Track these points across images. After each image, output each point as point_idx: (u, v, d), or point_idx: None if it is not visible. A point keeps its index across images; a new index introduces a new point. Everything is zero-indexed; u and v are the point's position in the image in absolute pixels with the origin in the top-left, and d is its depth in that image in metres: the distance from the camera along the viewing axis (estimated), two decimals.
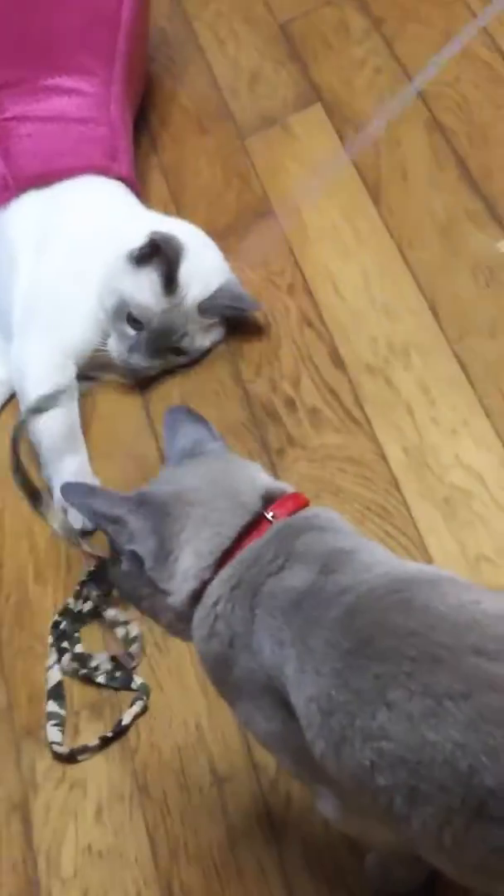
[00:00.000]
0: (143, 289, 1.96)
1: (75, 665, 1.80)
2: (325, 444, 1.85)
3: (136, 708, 1.73)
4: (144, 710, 1.73)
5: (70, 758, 1.74)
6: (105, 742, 1.72)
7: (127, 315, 1.97)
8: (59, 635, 1.80)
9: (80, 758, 1.73)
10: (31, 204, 2.12)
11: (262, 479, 1.33)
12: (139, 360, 1.98)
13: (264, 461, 1.82)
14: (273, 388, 1.93)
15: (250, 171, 2.21)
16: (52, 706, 1.79)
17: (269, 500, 1.29)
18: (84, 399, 2.04)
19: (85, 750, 1.74)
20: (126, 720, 1.73)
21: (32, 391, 1.96)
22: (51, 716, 1.78)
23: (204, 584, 1.26)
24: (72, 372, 1.99)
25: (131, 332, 1.97)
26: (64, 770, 1.70)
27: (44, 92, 2.16)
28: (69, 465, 1.92)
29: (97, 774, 1.68)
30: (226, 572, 1.25)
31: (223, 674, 1.27)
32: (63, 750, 1.74)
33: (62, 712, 1.79)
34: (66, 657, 1.81)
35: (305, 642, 1.17)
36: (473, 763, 1.05)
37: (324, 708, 1.15)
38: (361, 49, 2.30)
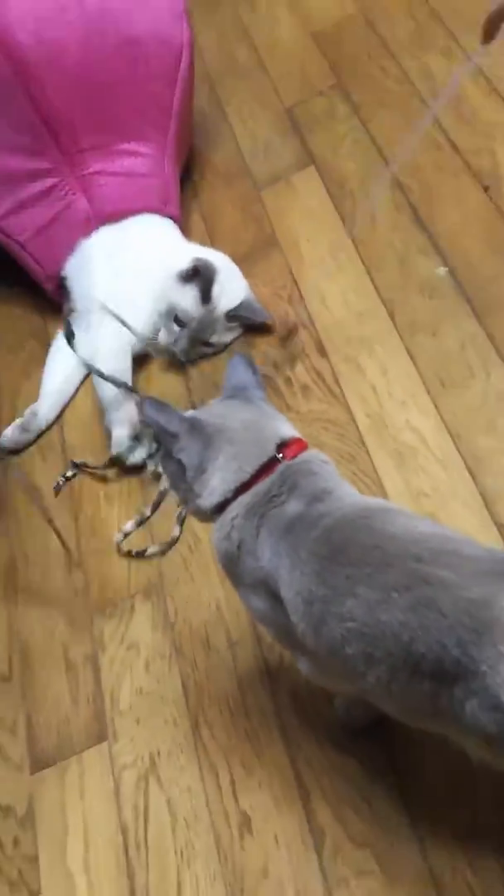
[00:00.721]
0: (187, 299, 2.00)
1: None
2: (312, 410, 1.87)
3: (156, 549, 1.82)
4: (162, 553, 1.80)
5: (117, 548, 1.84)
6: (128, 555, 1.83)
7: (174, 317, 1.99)
8: None
9: (120, 553, 1.83)
10: (106, 235, 2.14)
11: (281, 429, 1.33)
12: (181, 350, 2.01)
13: None
14: (275, 370, 1.96)
15: (263, 215, 2.24)
16: (147, 510, 1.87)
17: (282, 446, 1.30)
18: (139, 374, 2.07)
19: (128, 554, 1.83)
20: (150, 551, 1.82)
21: (103, 362, 1.98)
22: (141, 514, 1.86)
23: (226, 501, 1.29)
24: (128, 355, 2.01)
25: (176, 329, 2.01)
26: (123, 635, 1.74)
27: (117, 154, 2.17)
28: (122, 415, 1.94)
29: (147, 638, 1.73)
30: (245, 498, 1.29)
31: (230, 565, 1.31)
32: (119, 538, 1.85)
33: (147, 515, 1.86)
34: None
35: (296, 552, 1.21)
36: (412, 635, 1.09)
37: (307, 599, 1.19)
38: (344, 126, 2.32)
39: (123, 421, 1.94)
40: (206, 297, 1.99)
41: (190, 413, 1.35)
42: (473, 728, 1.07)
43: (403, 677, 1.11)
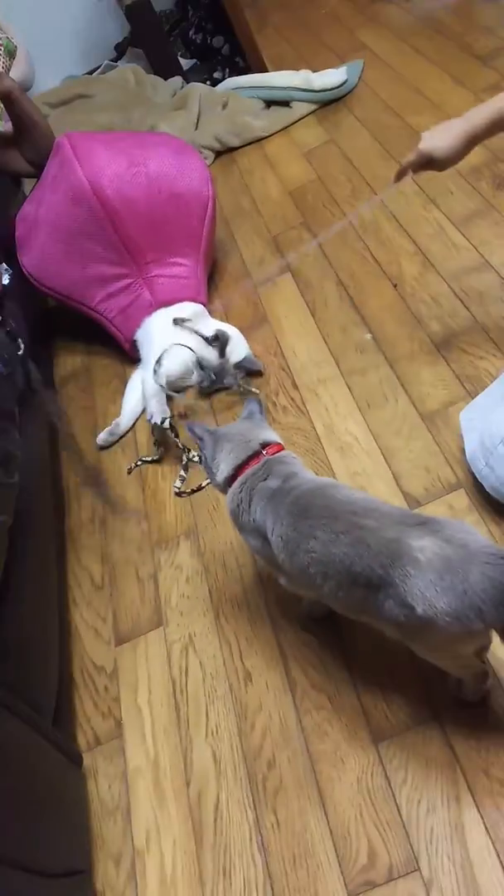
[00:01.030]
0: (210, 354, 1.97)
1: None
2: (289, 422, 1.85)
3: (205, 483, 1.78)
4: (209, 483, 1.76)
5: (178, 494, 1.81)
6: (189, 493, 1.80)
7: (201, 365, 1.97)
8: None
9: (181, 496, 1.80)
10: (162, 315, 2.11)
11: (265, 434, 1.34)
12: (205, 385, 1.99)
13: None
14: (266, 397, 1.93)
15: (259, 303, 2.22)
16: (182, 472, 1.84)
17: (265, 445, 1.30)
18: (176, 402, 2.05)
19: (189, 493, 1.80)
20: (204, 483, 1.79)
21: (149, 378, 1.99)
22: (181, 476, 1.83)
23: (231, 478, 1.30)
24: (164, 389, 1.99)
25: (202, 372, 1.97)
26: (172, 560, 1.72)
27: (168, 264, 2.14)
28: (155, 402, 1.96)
29: (187, 562, 1.70)
30: (242, 478, 1.30)
31: (236, 519, 1.31)
32: (175, 490, 1.82)
33: (185, 477, 1.82)
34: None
35: (276, 512, 1.21)
36: (352, 560, 1.09)
37: (285, 540, 1.21)
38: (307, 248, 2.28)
39: (156, 405, 1.93)
40: (222, 353, 1.97)
41: (212, 428, 1.36)
42: (389, 618, 1.07)
43: (346, 587, 1.11)
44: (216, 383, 1.99)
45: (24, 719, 1.27)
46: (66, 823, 1.33)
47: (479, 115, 1.40)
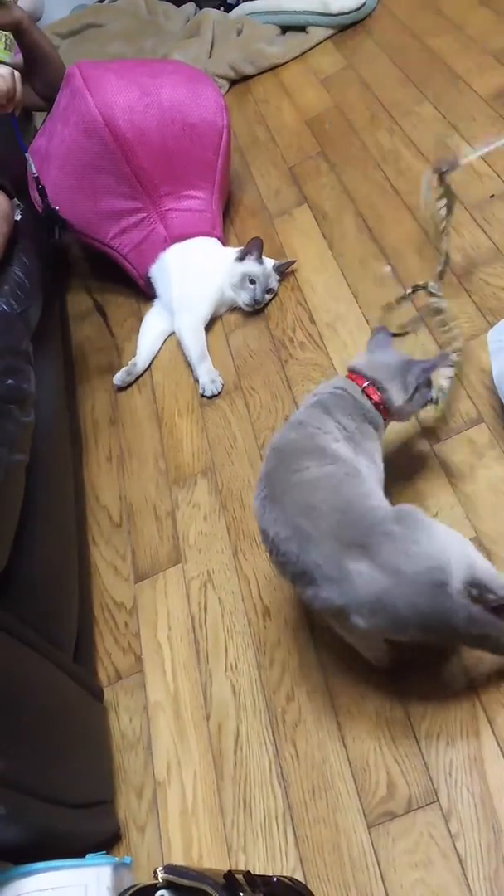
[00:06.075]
0: (251, 266, 1.92)
1: None
2: (306, 357, 1.79)
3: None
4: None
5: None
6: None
7: (248, 280, 1.92)
8: None
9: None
10: (177, 250, 2.03)
11: (353, 361, 1.37)
12: (259, 298, 1.92)
13: (278, 367, 1.79)
14: (283, 333, 1.87)
15: (275, 235, 2.13)
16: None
17: (352, 371, 1.34)
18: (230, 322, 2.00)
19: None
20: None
21: (188, 340, 1.92)
22: None
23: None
24: (202, 330, 1.94)
25: (251, 286, 1.92)
26: (190, 499, 1.68)
27: (183, 197, 2.06)
28: (203, 368, 1.87)
29: (205, 500, 1.67)
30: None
31: None
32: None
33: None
34: None
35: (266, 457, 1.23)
36: (296, 558, 1.11)
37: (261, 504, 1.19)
38: (325, 179, 2.18)
39: (204, 372, 1.85)
40: (259, 259, 1.92)
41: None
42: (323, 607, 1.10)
43: (298, 580, 1.12)
44: (264, 294, 1.92)
45: (45, 655, 1.25)
46: (89, 756, 1.33)
47: None
